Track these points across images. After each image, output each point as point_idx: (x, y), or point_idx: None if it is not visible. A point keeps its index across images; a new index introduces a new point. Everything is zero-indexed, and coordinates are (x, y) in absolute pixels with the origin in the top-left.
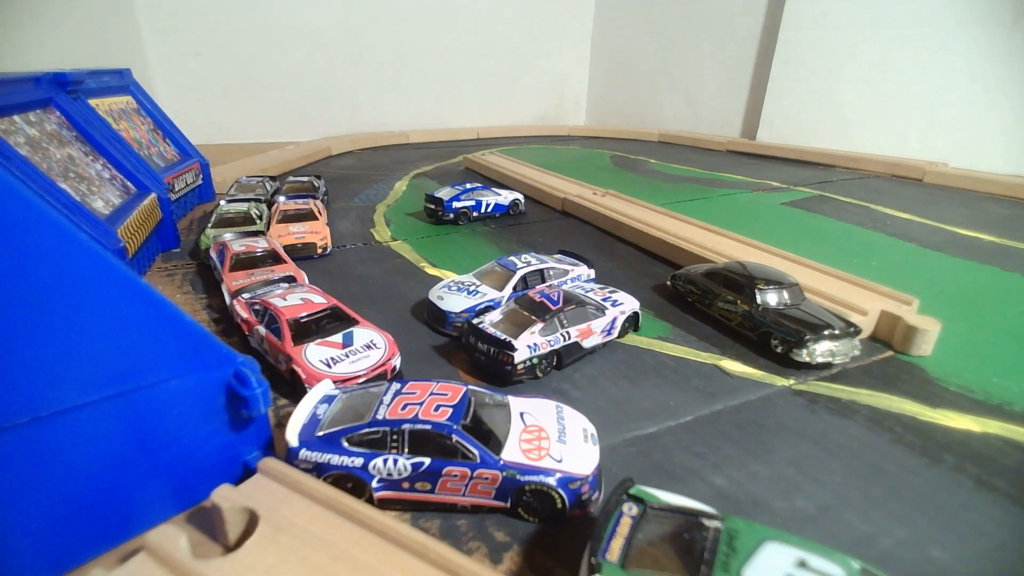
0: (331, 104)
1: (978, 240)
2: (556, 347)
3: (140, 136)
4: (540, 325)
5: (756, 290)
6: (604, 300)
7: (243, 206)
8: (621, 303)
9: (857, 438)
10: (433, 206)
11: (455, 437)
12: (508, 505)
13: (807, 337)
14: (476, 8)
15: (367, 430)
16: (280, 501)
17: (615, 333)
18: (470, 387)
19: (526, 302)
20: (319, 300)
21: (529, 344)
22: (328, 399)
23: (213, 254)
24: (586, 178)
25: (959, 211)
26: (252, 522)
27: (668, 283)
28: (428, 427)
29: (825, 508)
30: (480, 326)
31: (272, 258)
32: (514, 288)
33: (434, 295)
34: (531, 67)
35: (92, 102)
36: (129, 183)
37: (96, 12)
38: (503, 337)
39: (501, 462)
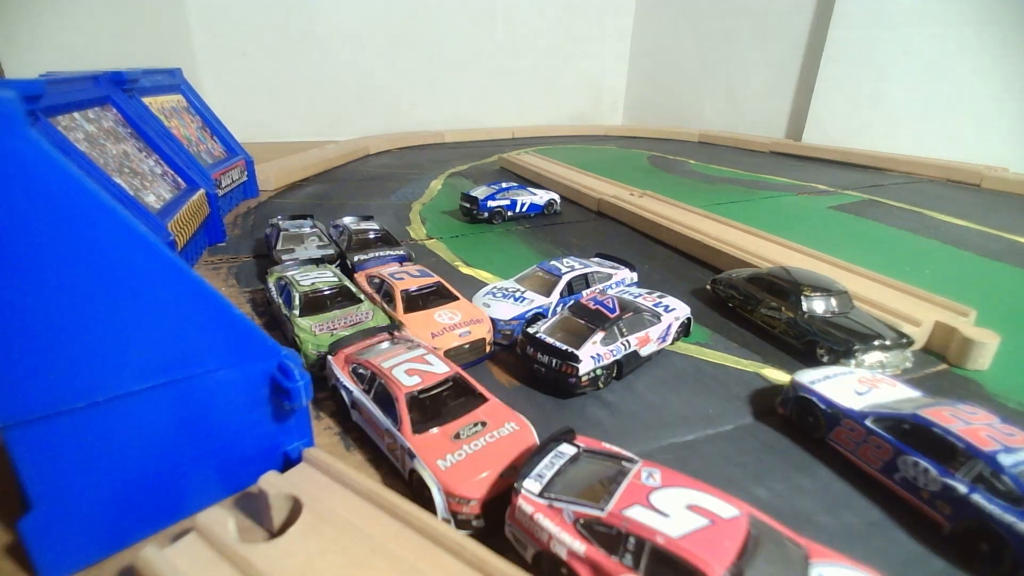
0: (370, 104)
1: None
2: (618, 357)
3: (190, 133)
4: (601, 334)
5: (802, 296)
6: (655, 305)
7: (329, 276)
8: (674, 308)
9: None
10: (468, 205)
11: None
12: None
13: (855, 347)
14: (515, 7)
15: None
16: (323, 491)
17: (669, 340)
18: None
19: (580, 310)
20: (729, 511)
21: (592, 355)
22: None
23: (349, 382)
24: (623, 178)
25: (1020, 218)
26: (295, 510)
27: (708, 287)
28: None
29: (874, 525)
30: (538, 336)
31: (462, 388)
32: (560, 294)
33: (479, 302)
34: (568, 66)
35: (146, 100)
36: (179, 179)
37: (149, 14)
38: (565, 348)
39: None
